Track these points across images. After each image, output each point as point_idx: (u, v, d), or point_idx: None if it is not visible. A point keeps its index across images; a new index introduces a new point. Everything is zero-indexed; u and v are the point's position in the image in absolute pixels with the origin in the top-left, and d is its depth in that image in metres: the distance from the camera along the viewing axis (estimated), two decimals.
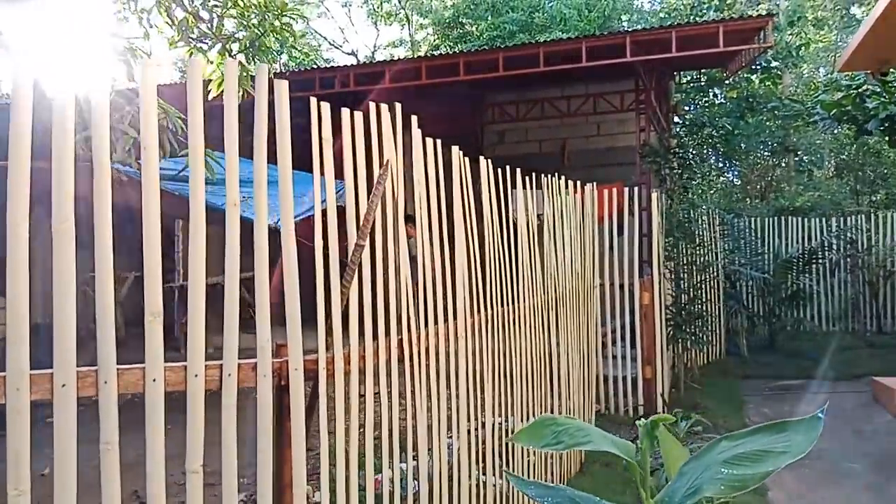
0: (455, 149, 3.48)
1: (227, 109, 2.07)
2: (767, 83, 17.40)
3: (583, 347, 5.72)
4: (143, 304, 1.92)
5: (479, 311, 3.46)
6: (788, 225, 13.63)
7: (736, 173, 18.90)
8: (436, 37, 18.35)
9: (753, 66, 16.18)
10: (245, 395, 2.09)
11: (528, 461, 4.24)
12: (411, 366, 2.64)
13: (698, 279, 7.84)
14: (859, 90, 9.78)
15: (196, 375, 1.91)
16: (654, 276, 6.78)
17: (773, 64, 16.32)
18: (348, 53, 22.94)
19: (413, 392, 2.67)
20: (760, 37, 7.62)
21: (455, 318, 3.11)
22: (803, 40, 16.02)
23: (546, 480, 4.65)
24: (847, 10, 19.38)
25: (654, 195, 6.91)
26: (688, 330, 7.74)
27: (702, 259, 7.93)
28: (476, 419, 3.47)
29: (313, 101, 2.37)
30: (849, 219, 13.31)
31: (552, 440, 1.96)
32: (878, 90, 9.57)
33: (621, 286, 7.07)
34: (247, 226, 2.06)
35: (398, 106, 2.90)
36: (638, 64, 9.25)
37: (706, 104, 17.62)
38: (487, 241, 3.73)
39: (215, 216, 2.13)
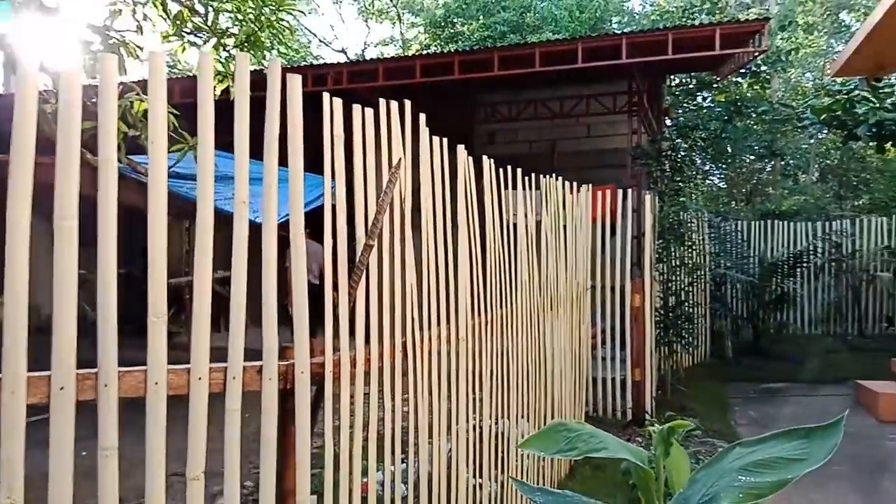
0: (461, 148, 3.44)
1: (238, 103, 2.01)
2: (756, 87, 17.54)
3: (575, 349, 5.71)
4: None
5: (479, 312, 3.42)
6: (774, 229, 13.72)
7: (721, 177, 19.02)
8: (427, 36, 18.29)
9: (743, 71, 16.31)
10: (243, 398, 2.04)
11: (523, 465, 4.21)
12: (414, 368, 2.60)
13: (687, 282, 7.87)
14: (849, 96, 9.88)
15: (200, 378, 1.85)
16: (644, 279, 6.79)
17: (763, 68, 16.45)
18: (338, 51, 22.83)
19: (415, 394, 2.63)
20: (755, 40, 7.64)
21: (457, 319, 3.07)
22: (794, 45, 16.13)
23: (539, 484, 4.63)
24: (837, 15, 19.56)
25: (646, 197, 6.91)
26: (676, 332, 7.76)
27: (691, 262, 7.96)
28: (472, 421, 3.44)
29: (325, 96, 2.32)
30: (833, 223, 13.43)
31: (566, 446, 1.93)
32: (868, 96, 9.69)
33: (612, 288, 7.07)
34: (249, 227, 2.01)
35: (408, 103, 2.86)
36: (632, 66, 9.27)
37: (695, 107, 17.73)
38: (489, 242, 3.70)
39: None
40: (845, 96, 9.78)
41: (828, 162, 18.74)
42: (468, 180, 3.53)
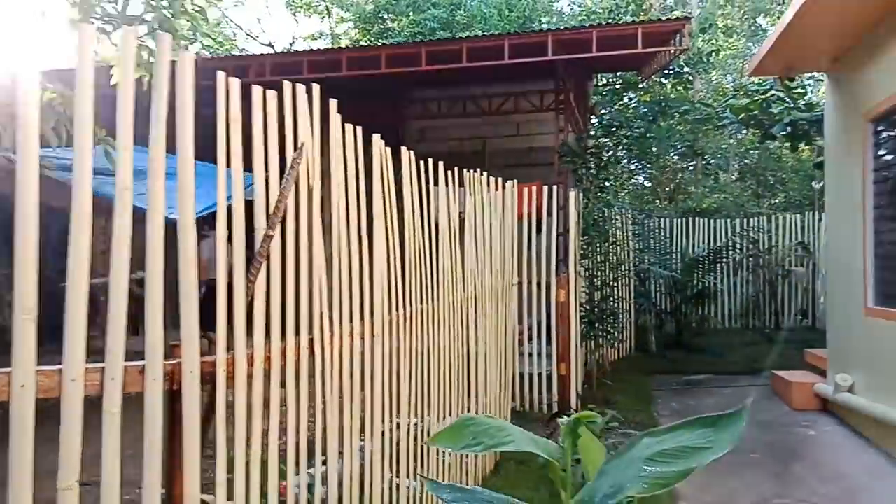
0: (376, 137, 3.33)
1: (123, 87, 1.86)
2: (679, 88, 18.07)
3: (500, 345, 5.69)
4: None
5: (396, 308, 3.33)
6: (695, 226, 14.16)
7: (646, 175, 19.51)
8: (356, 31, 18.06)
9: (666, 71, 16.75)
10: (132, 401, 1.89)
11: (445, 461, 4.14)
12: (323, 366, 2.48)
13: (611, 277, 8.00)
14: (766, 96, 10.25)
15: (73, 380, 1.69)
16: (569, 274, 6.84)
17: (685, 69, 16.94)
18: (265, 45, 22.30)
19: (324, 394, 2.51)
20: (676, 40, 7.80)
21: (371, 315, 2.97)
22: (714, 47, 16.68)
23: (462, 480, 4.57)
24: (754, 19, 20.36)
25: (571, 194, 6.97)
26: (600, 327, 7.86)
27: (615, 257, 8.09)
28: (391, 420, 3.35)
29: (220, 75, 2.17)
30: (751, 220, 13.95)
31: (472, 441, 1.86)
32: (783, 96, 10.08)
33: (538, 284, 7.09)
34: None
35: (316, 88, 2.73)
36: (559, 64, 9.34)
37: (622, 107, 18.13)
38: (407, 236, 3.61)
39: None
40: (762, 96, 10.15)
41: (747, 161, 19.51)
42: (385, 172, 3.43)
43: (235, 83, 2.17)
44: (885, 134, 5.99)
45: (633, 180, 20.52)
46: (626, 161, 19.06)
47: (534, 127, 12.08)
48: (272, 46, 21.63)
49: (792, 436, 6.65)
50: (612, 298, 7.98)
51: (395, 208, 3.38)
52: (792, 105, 9.73)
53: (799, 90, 9.71)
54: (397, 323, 3.30)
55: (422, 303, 3.81)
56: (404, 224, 3.64)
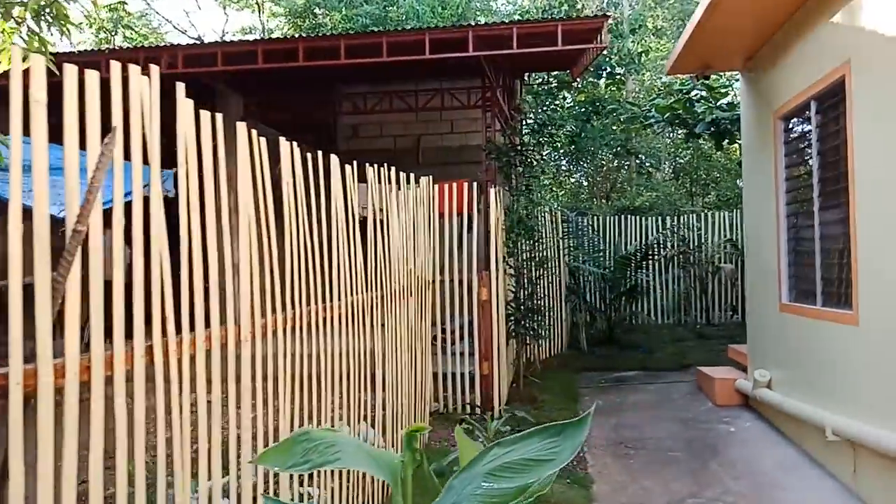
0: (238, 126, 3.10)
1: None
2: (612, 88, 18.26)
3: (416, 346, 5.52)
4: None
5: (275, 311, 3.11)
6: (627, 223, 14.29)
7: (583, 175, 19.68)
8: (288, 26, 17.66)
9: (599, 72, 16.91)
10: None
11: (344, 474, 3.94)
12: (167, 375, 2.25)
13: (537, 275, 7.92)
14: (689, 95, 10.36)
15: None
16: (491, 272, 6.72)
17: (618, 70, 17.12)
18: (194, 39, 21.60)
19: (169, 409, 2.28)
20: (598, 38, 7.77)
21: (238, 319, 2.75)
22: (644, 47, 16.90)
23: (366, 492, 4.38)
24: (683, 21, 20.73)
25: (491, 191, 6.85)
26: (527, 325, 7.78)
27: (540, 255, 8.03)
28: (267, 427, 3.13)
29: (69, 69, 1.95)
30: (681, 218, 14.16)
31: (300, 460, 1.67)
32: (706, 96, 10.20)
33: (461, 282, 6.96)
34: None
35: (155, 69, 2.50)
36: (484, 61, 9.24)
37: (556, 107, 18.22)
38: (288, 235, 3.39)
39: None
40: (686, 96, 10.26)
41: (680, 161, 19.87)
42: (259, 158, 3.21)
43: (39, 60, 1.93)
44: (792, 132, 6.06)
45: (573, 179, 20.69)
46: (564, 161, 19.21)
47: (467, 125, 11.99)
48: (201, 40, 21.00)
49: (712, 432, 6.67)
50: (537, 296, 7.91)
51: (271, 204, 3.16)
52: (714, 105, 9.87)
53: (721, 90, 9.86)
54: (276, 326, 3.08)
55: (313, 303, 3.60)
56: (283, 221, 3.43)
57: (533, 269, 7.94)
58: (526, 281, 7.85)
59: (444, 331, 7.14)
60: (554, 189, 20.08)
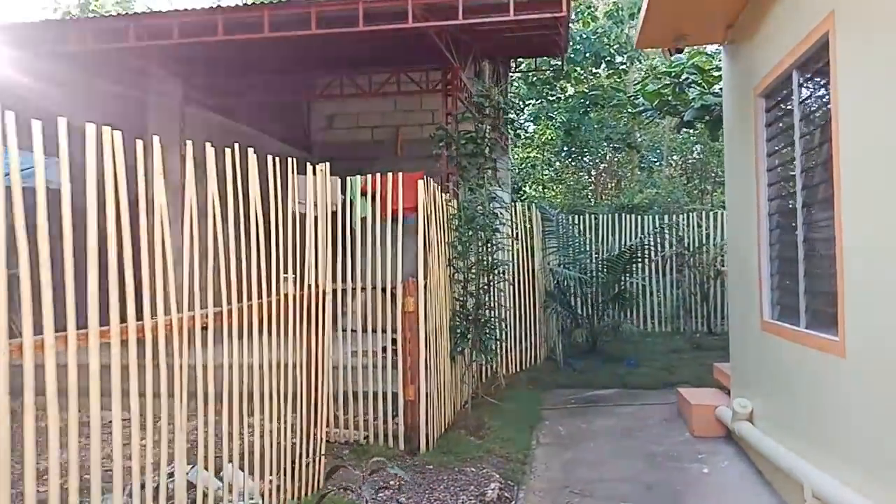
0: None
1: None
2: (615, 78, 17.06)
3: (302, 363, 4.53)
4: None
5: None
6: (623, 223, 13.15)
7: (583, 171, 18.53)
8: None
9: (598, 61, 15.75)
10: None
11: None
12: None
13: (487, 280, 6.85)
14: (680, 80, 9.23)
15: None
16: (419, 279, 5.67)
17: (618, 59, 15.95)
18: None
19: None
20: (561, 7, 6.68)
21: None
22: None
23: None
24: None
25: (420, 184, 5.80)
26: (473, 339, 6.74)
27: (492, 258, 6.94)
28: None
29: None
30: (681, 216, 12.97)
31: None
32: (698, 80, 9.07)
33: (383, 290, 5.95)
34: None
35: None
36: (447, 40, 8.23)
37: (554, 98, 17.08)
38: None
39: None
40: (675, 80, 9.12)
41: (692, 157, 18.58)
42: None
43: None
44: (774, 111, 4.95)
45: (572, 176, 19.48)
46: (563, 155, 18.05)
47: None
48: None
49: (681, 474, 5.56)
50: (489, 305, 6.84)
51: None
52: (706, 89, 8.72)
53: (714, 72, 8.69)
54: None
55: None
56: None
57: (484, 274, 6.87)
58: (475, 288, 6.80)
59: (384, 347, 6.14)
60: (549, 186, 18.94)
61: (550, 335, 10.06)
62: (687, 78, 8.99)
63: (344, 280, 6.10)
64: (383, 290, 5.85)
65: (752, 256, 5.47)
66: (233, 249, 3.70)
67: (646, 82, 10.64)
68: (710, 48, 11.56)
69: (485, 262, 6.75)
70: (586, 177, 18.99)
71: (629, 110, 11.31)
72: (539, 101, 17.08)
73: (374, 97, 12.79)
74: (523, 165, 17.44)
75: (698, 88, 8.95)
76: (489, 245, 6.88)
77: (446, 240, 6.64)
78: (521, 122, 13.35)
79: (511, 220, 9.54)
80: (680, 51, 6.09)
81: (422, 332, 5.65)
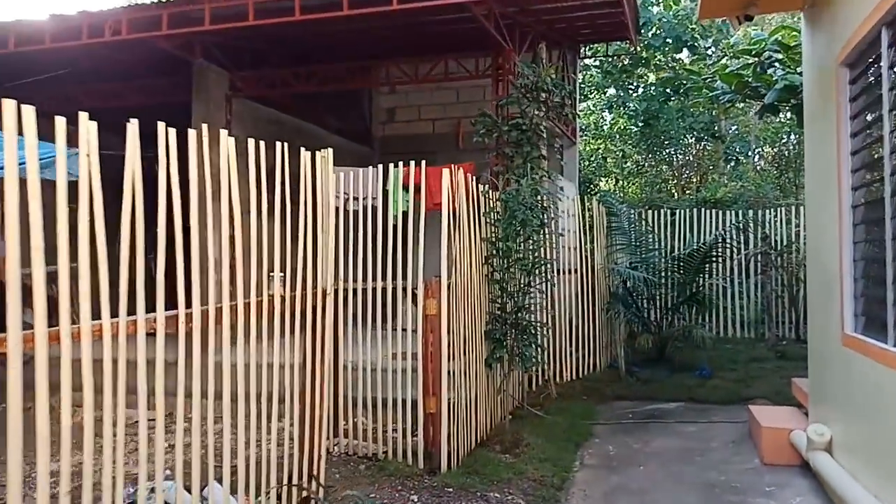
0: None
1: None
2: (699, 64, 15.87)
3: (295, 362, 4.07)
4: None
5: None
6: (703, 218, 12.11)
7: (664, 163, 17.39)
8: None
9: (679, 45, 14.66)
10: None
11: None
12: None
13: (525, 281, 6.16)
14: (761, 59, 8.23)
15: None
16: (443, 279, 5.11)
17: (701, 42, 14.81)
18: None
19: None
20: None
21: None
22: None
23: None
24: None
25: (444, 173, 5.22)
26: (510, 345, 6.11)
27: (533, 256, 6.25)
28: None
29: None
30: (769, 212, 11.79)
31: None
32: (782, 58, 8.06)
33: (404, 290, 5.42)
34: None
35: None
36: (498, 21, 7.66)
37: (632, 86, 16.10)
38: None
39: None
40: (756, 59, 8.12)
41: (784, 146, 17.09)
42: None
43: None
44: (859, 81, 4.07)
45: (652, 169, 18.30)
46: (642, 146, 16.98)
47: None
48: None
49: None
50: (526, 309, 6.17)
51: None
52: (792, 69, 7.69)
53: (800, 48, 7.61)
54: None
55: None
56: None
57: (525, 274, 6.20)
58: (515, 289, 6.16)
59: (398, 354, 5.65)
60: (628, 179, 17.87)
61: (613, 340, 9.25)
62: (770, 56, 7.98)
63: (384, 278, 5.66)
64: (403, 290, 5.32)
65: (832, 257, 4.60)
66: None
67: (724, 63, 9.60)
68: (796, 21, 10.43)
69: (526, 261, 6.10)
70: (667, 170, 17.83)
71: (706, 94, 10.26)
72: (617, 90, 16.13)
73: (435, 89, 12.49)
74: (593, 157, 16.49)
75: (783, 68, 7.93)
76: (531, 241, 6.22)
77: (482, 235, 6.05)
78: (593, 111, 12.52)
79: (575, 213, 8.86)
80: (749, 18, 5.23)
81: (444, 337, 5.08)
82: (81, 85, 9.24)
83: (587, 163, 16.02)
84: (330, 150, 4.32)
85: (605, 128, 16.95)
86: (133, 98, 9.33)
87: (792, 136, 16.23)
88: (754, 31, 7.89)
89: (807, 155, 5.58)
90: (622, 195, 16.31)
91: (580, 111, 16.90)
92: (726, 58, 9.55)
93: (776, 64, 7.93)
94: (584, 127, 16.24)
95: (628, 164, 18.11)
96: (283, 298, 3.86)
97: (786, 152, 16.75)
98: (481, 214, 6.01)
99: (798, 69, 7.88)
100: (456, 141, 12.47)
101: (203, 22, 6.73)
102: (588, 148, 16.64)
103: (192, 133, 3.20)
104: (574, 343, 8.72)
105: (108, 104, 9.28)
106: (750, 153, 15.81)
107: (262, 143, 3.61)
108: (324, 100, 11.25)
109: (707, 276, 10.34)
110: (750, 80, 8.25)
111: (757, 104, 8.91)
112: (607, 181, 17.60)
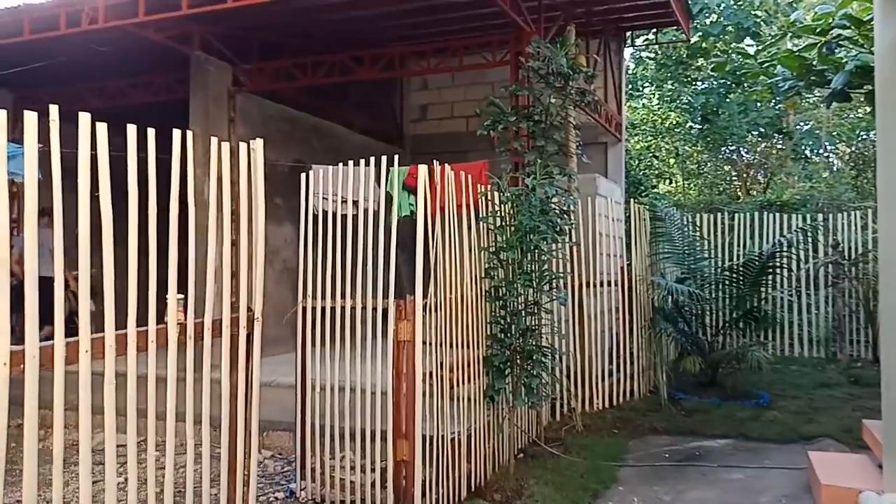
0: None
1: None
2: (763, 53, 14.44)
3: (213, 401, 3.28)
4: None
5: None
6: (766, 223, 10.86)
7: (724, 161, 16.00)
8: None
9: (741, 33, 13.34)
10: None
11: None
12: None
13: (531, 299, 5.18)
14: (827, 38, 6.99)
15: None
16: (417, 298, 4.22)
17: (764, 29, 13.43)
18: None
19: None
20: None
21: None
22: None
23: None
24: None
25: (421, 170, 4.34)
26: (516, 374, 5.18)
27: (540, 268, 5.26)
28: None
29: None
30: (840, 216, 10.44)
31: None
32: (851, 35, 6.83)
33: (374, 309, 4.55)
34: None
35: None
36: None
37: (688, 80, 14.81)
38: None
39: None
40: (821, 39, 6.90)
41: (862, 143, 15.45)
42: None
43: None
44: None
45: (722, 169, 16.84)
46: (698, 144, 15.64)
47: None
48: None
49: None
50: (534, 332, 5.21)
51: None
52: (867, 48, 6.46)
53: (872, 25, 6.39)
54: None
55: None
56: None
57: (532, 291, 5.24)
58: (518, 308, 5.23)
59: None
60: (687, 179, 16.53)
61: (654, 362, 8.14)
62: (838, 35, 6.76)
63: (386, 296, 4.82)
64: (374, 309, 4.46)
65: None
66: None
67: (782, 45, 8.35)
68: None
69: (530, 275, 5.14)
70: (730, 170, 16.40)
71: (763, 81, 9.05)
72: (673, 83, 14.92)
73: (470, 84, 11.68)
74: (642, 157, 15.24)
75: (854, 47, 6.70)
76: (538, 252, 5.26)
77: (481, 245, 5.15)
78: (646, 106, 11.45)
79: (619, 218, 7.85)
80: None
81: (418, 368, 4.20)
82: (85, 83, 8.87)
83: (637, 162, 14.82)
84: (260, 141, 3.51)
85: (656, 123, 15.71)
86: (137, 96, 8.86)
87: (871, 133, 14.64)
88: (819, 5, 6.68)
89: (879, 149, 4.45)
90: (682, 197, 15.03)
91: (634, 106, 15.73)
92: (786, 38, 8.30)
93: (844, 42, 6.72)
94: (635, 123, 15.05)
95: (687, 163, 16.79)
96: (182, 326, 3.06)
97: (865, 151, 15.13)
98: (479, 219, 5.12)
99: (872, 48, 6.63)
100: (490, 139, 11.62)
101: (180, 7, 6.07)
102: (639, 147, 15.42)
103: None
104: (608, 366, 7.69)
105: (114, 103, 8.86)
106: (821, 151, 14.28)
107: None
108: (351, 97, 10.59)
109: (768, 288, 9.10)
110: (815, 63, 7.02)
111: (824, 92, 7.65)
112: (666, 182, 16.31)
